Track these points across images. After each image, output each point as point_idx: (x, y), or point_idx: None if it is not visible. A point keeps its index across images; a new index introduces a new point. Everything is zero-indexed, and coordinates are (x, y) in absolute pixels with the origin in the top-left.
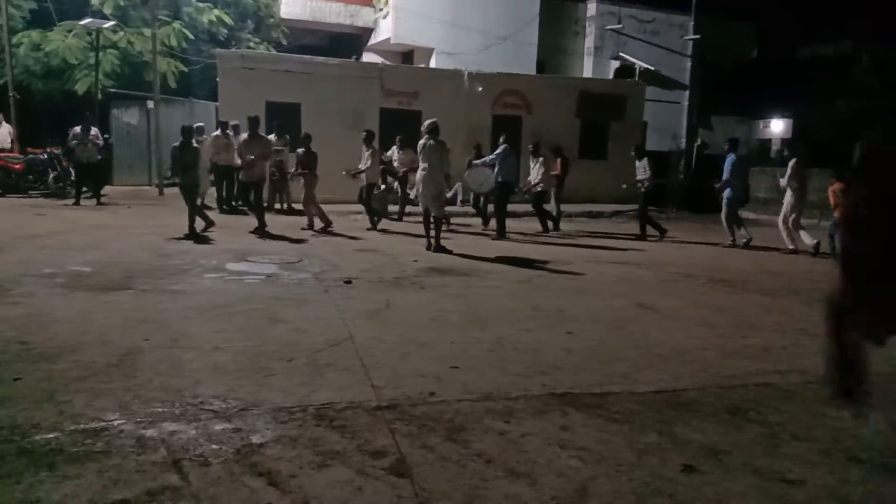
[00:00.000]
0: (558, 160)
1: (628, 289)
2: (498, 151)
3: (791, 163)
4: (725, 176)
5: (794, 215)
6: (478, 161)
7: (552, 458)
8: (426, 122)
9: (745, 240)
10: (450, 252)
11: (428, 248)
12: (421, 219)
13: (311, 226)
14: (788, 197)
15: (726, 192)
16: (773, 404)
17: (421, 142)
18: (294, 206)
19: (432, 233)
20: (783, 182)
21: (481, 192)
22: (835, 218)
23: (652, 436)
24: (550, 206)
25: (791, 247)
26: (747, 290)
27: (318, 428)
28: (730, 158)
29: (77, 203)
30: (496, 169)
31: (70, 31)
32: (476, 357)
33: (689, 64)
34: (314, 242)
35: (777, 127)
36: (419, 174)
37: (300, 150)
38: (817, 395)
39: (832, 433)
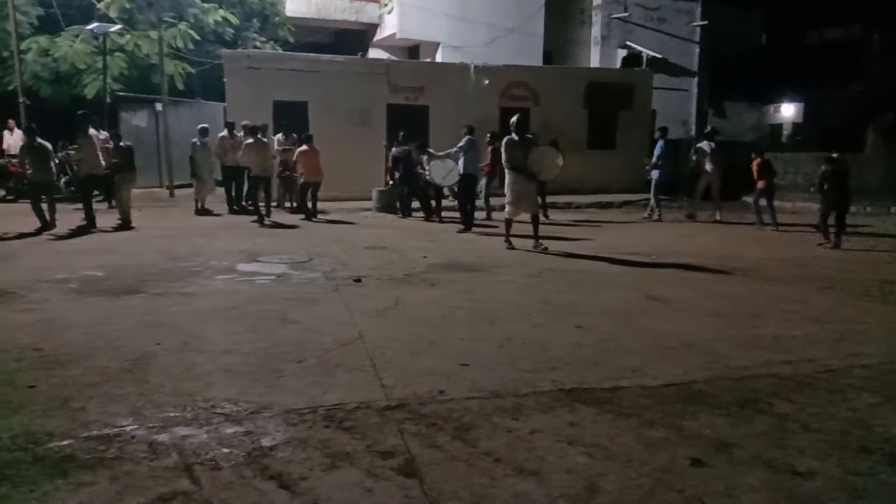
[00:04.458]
0: (489, 149)
1: (638, 280)
2: (461, 144)
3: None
4: (654, 159)
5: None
6: (441, 153)
7: (561, 455)
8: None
9: (655, 216)
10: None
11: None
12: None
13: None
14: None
15: (654, 174)
16: (784, 395)
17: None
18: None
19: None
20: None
21: (445, 184)
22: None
23: (661, 430)
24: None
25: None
26: (758, 279)
27: (328, 429)
28: (660, 144)
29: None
30: (460, 161)
31: (77, 35)
32: (485, 354)
33: (697, 51)
34: (323, 241)
35: (788, 111)
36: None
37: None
38: (828, 385)
39: (843, 424)
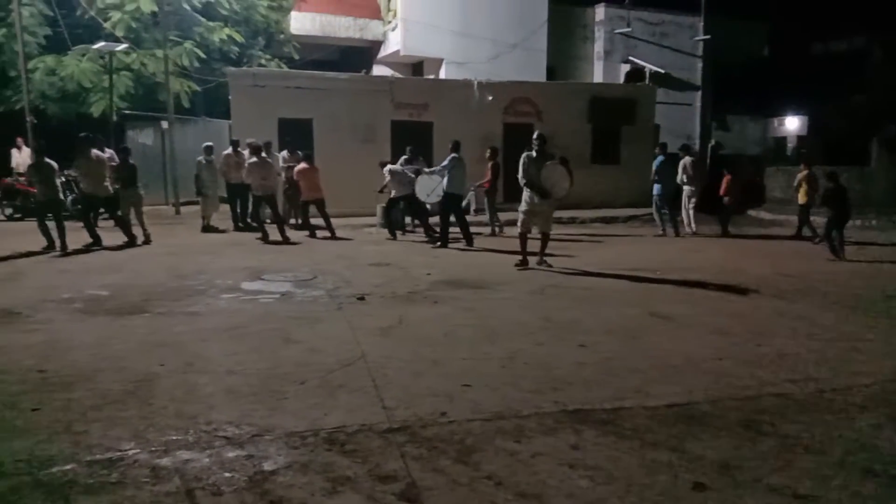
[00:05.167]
0: (489, 165)
1: (642, 296)
2: (444, 164)
3: (683, 161)
4: (654, 175)
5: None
6: (427, 169)
7: (562, 479)
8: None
9: (659, 231)
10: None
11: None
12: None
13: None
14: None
15: (655, 189)
16: (787, 415)
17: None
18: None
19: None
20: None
21: (429, 201)
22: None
23: (664, 453)
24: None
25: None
26: (763, 295)
27: (329, 453)
28: (658, 159)
29: (95, 224)
30: (444, 179)
31: (84, 55)
32: (488, 374)
33: (700, 65)
34: (327, 258)
35: (792, 124)
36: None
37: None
38: (832, 405)
39: (846, 445)
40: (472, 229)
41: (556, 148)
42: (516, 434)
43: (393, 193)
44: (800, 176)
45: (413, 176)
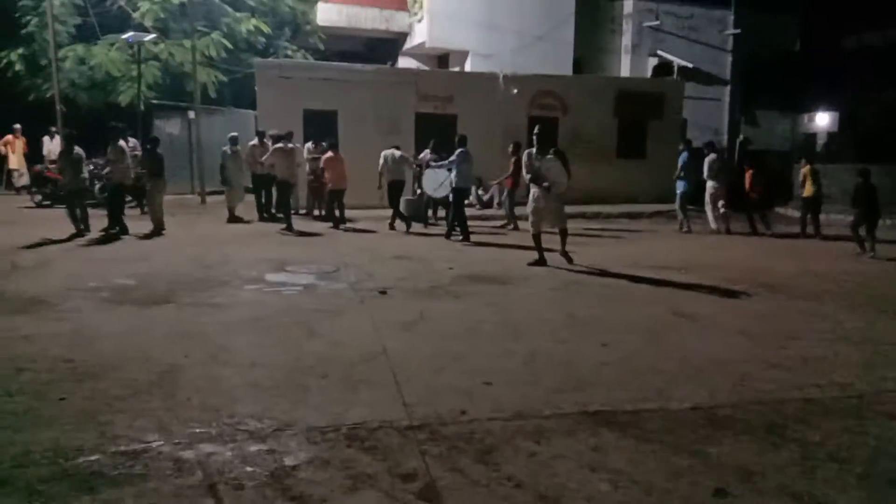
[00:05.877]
0: (512, 160)
1: (666, 295)
2: (452, 158)
3: (708, 158)
4: (677, 171)
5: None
6: (435, 164)
7: (582, 482)
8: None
9: (684, 228)
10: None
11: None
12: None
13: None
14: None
15: (679, 185)
16: (811, 421)
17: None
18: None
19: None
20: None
21: (436, 195)
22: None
23: (685, 457)
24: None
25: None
26: (790, 295)
27: (349, 449)
28: (683, 156)
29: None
30: (452, 173)
31: (113, 44)
32: (509, 371)
33: (729, 59)
34: (350, 250)
35: (822, 120)
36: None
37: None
38: (858, 411)
39: (871, 453)
40: (495, 223)
41: (582, 142)
42: (536, 435)
43: (384, 179)
44: (803, 171)
45: (408, 158)
